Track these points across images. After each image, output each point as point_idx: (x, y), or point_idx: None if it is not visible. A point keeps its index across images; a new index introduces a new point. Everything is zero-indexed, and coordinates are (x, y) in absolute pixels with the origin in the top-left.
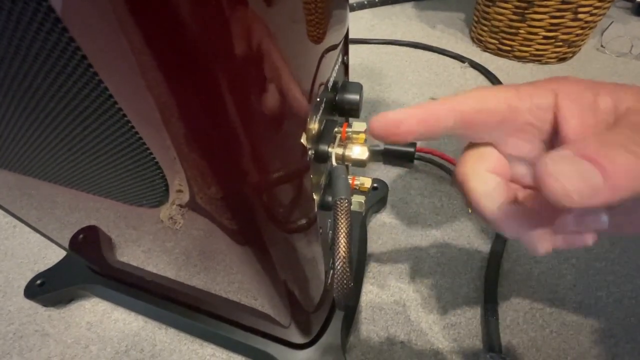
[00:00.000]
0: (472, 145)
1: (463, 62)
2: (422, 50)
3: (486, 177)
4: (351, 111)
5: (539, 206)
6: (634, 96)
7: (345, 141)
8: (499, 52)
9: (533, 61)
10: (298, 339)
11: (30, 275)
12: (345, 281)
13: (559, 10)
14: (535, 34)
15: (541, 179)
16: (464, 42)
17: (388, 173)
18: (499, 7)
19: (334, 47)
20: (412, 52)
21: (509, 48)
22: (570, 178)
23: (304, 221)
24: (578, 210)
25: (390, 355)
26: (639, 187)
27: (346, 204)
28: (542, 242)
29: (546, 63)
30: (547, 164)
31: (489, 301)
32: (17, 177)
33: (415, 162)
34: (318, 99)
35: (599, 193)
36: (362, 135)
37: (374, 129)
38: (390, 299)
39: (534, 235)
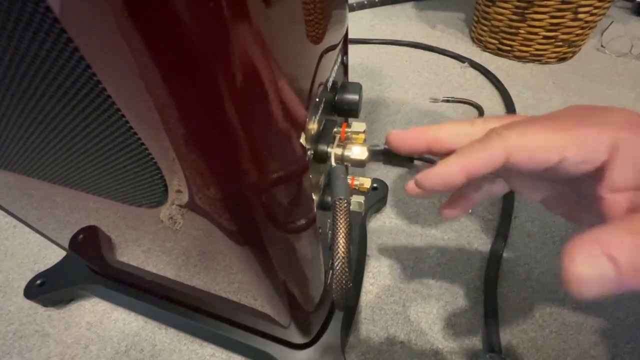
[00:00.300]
0: None
1: (463, 62)
2: (422, 50)
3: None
4: (350, 111)
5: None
6: None
7: (345, 141)
8: (499, 52)
9: (533, 61)
10: (298, 339)
11: (30, 276)
12: (344, 281)
13: (559, 10)
14: (535, 33)
15: (567, 265)
16: (464, 42)
17: (388, 173)
18: (499, 7)
19: (333, 47)
20: (412, 52)
21: (509, 48)
22: (590, 277)
23: (303, 221)
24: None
25: (390, 355)
26: None
27: (345, 204)
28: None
29: (546, 63)
30: (572, 259)
31: (489, 301)
32: (17, 177)
33: (416, 162)
34: (317, 99)
35: (606, 286)
36: (362, 136)
37: (423, 186)
38: (390, 299)
39: None
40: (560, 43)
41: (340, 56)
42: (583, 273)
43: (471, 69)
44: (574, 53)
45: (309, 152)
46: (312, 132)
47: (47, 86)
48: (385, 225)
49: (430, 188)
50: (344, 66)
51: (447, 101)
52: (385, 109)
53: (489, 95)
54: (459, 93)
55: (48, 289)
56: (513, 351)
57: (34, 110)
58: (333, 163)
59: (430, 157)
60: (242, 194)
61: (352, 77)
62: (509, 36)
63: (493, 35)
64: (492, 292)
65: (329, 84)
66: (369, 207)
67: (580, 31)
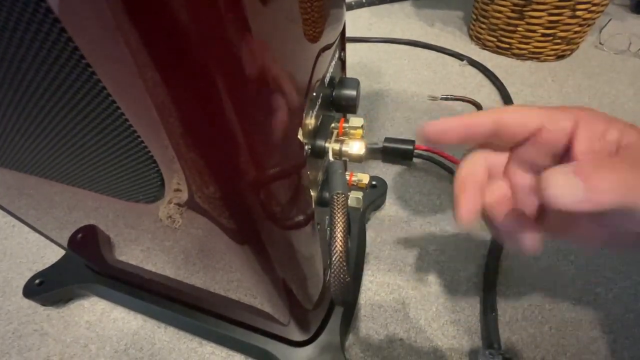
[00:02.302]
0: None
1: (462, 60)
2: (420, 49)
3: (478, 164)
4: (348, 107)
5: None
6: (637, 135)
7: (342, 136)
8: (497, 50)
9: (531, 58)
10: (297, 336)
11: (29, 275)
12: (342, 276)
13: (557, 7)
14: (534, 31)
15: (542, 185)
16: (463, 40)
17: (387, 171)
18: (497, 4)
19: (330, 44)
20: (410, 50)
21: (507, 46)
22: (561, 187)
23: (301, 218)
24: None
25: (389, 352)
26: (618, 201)
27: (343, 199)
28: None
29: (544, 60)
30: (548, 174)
31: (488, 298)
32: (16, 176)
33: (414, 160)
34: (314, 94)
35: (582, 200)
36: (359, 131)
37: (429, 136)
38: (389, 297)
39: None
40: (559, 40)
41: (337, 52)
42: (558, 187)
43: (470, 67)
44: (572, 50)
45: (306, 148)
46: (310, 128)
47: (44, 82)
48: (385, 222)
49: (431, 134)
50: (342, 62)
51: (446, 99)
52: (384, 107)
53: (488, 92)
54: (457, 91)
55: (47, 288)
56: (512, 347)
57: (32, 106)
58: (331, 158)
59: (431, 156)
60: (241, 191)
61: (351, 76)
62: (507, 34)
63: (491, 33)
64: (491, 289)
65: (327, 80)
66: (368, 204)
67: (578, 28)
